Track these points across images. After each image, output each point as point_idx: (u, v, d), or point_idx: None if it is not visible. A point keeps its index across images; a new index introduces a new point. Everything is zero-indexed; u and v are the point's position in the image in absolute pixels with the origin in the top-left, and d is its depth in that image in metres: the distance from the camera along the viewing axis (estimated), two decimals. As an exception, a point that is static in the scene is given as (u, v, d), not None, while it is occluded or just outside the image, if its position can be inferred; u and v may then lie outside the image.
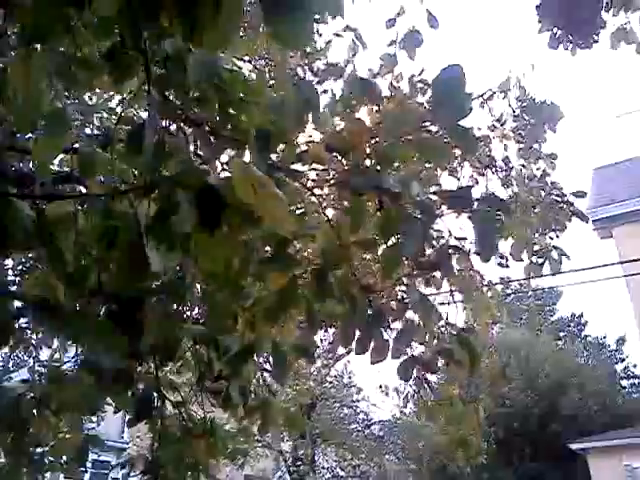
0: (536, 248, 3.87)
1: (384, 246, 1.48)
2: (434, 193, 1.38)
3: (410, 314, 1.98)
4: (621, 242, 13.41)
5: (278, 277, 1.45)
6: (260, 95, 1.40)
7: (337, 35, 4.08)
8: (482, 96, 4.19)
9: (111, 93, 2.69)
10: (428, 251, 1.65)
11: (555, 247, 3.85)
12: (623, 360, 25.83)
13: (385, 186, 1.30)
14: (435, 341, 2.42)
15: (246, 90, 1.39)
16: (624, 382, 24.57)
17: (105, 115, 3.14)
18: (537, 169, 4.29)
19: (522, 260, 4.02)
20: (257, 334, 1.63)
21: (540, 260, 3.85)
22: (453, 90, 1.23)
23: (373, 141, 1.46)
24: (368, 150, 1.44)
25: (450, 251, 1.66)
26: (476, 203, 1.32)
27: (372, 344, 1.69)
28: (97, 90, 2.58)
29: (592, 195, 14.66)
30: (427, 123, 1.89)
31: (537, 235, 3.93)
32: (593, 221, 13.91)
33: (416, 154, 1.48)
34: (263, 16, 1.06)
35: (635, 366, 25.27)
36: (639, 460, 12.99)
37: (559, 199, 4.12)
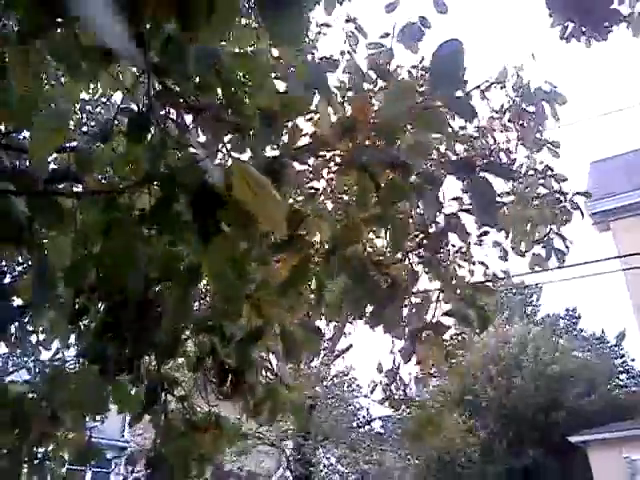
0: (536, 238, 3.79)
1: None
2: (439, 161, 1.38)
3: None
4: (619, 236, 13.39)
5: (291, 259, 1.46)
6: (265, 75, 1.39)
7: (326, 25, 3.96)
8: (480, 87, 4.14)
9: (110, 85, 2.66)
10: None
11: (558, 234, 3.74)
12: (622, 356, 25.93)
13: (401, 159, 1.30)
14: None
15: (251, 71, 1.37)
16: (622, 376, 24.67)
17: (102, 111, 3.11)
18: (540, 163, 4.21)
19: (523, 255, 3.93)
20: (265, 318, 1.62)
21: (543, 251, 3.76)
22: (452, 62, 1.24)
23: (374, 123, 1.45)
24: (371, 127, 1.44)
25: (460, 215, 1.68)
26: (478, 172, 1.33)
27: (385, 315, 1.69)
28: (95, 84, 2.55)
29: (590, 188, 14.64)
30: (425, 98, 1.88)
31: (537, 226, 3.85)
32: (591, 215, 13.90)
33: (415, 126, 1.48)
34: (258, 13, 1.04)
35: (633, 360, 25.38)
36: (639, 452, 13.00)
37: (559, 196, 4.01)
